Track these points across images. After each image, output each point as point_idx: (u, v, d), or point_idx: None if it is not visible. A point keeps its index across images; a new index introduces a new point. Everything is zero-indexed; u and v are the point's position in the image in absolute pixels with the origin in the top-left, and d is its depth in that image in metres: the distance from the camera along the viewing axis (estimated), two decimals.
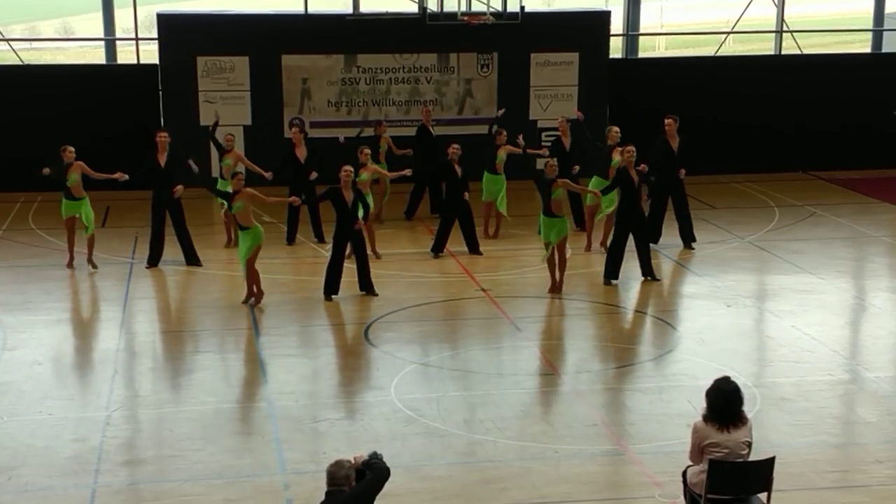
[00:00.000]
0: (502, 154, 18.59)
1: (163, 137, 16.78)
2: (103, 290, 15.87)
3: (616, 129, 17.76)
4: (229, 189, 15.58)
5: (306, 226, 18.30)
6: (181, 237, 17.01)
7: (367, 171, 16.91)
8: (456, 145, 17.51)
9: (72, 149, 16.47)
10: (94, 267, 16.68)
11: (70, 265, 16.79)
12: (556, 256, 15.44)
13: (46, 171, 16.49)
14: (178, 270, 16.86)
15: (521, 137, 19.10)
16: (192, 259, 17.03)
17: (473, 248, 17.56)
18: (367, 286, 15.40)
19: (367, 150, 17.29)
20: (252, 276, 14.90)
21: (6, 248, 18.42)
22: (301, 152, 18.15)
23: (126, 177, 16.62)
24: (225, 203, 15.81)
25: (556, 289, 15.47)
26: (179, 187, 16.65)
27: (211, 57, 22.70)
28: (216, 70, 22.76)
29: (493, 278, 16.34)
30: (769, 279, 16.68)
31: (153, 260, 16.93)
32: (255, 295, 14.95)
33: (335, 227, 15.24)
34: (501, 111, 21.42)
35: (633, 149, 15.86)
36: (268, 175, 17.56)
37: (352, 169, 15.26)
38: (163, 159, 16.72)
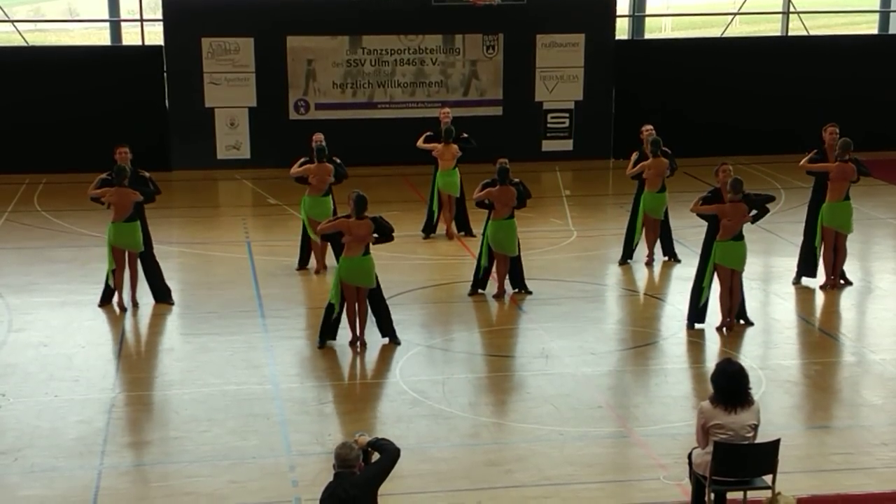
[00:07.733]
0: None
1: (123, 153, 14.15)
2: None
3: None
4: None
5: None
6: (151, 271, 14.41)
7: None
8: (502, 159, 14.59)
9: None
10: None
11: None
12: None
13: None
14: (183, 252, 16.85)
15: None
16: (162, 296, 14.42)
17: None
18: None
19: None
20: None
21: (11, 229, 18.43)
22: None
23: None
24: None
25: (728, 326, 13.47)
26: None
27: (216, 38, 22.67)
28: (221, 51, 22.72)
29: None
30: (774, 261, 16.62)
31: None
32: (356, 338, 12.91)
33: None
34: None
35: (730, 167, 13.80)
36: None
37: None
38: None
